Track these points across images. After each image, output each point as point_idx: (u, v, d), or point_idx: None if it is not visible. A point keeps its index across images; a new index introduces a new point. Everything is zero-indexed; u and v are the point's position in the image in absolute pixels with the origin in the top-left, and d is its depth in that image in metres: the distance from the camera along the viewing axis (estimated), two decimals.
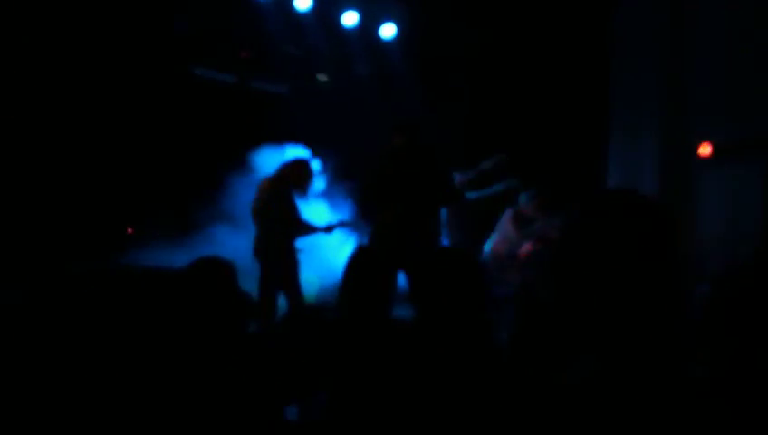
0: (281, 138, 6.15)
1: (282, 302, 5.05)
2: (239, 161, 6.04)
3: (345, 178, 6.21)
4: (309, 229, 5.20)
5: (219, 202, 5.95)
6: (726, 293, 1.66)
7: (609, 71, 7.30)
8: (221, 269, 2.45)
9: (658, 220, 1.25)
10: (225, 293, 2.39)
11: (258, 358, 2.34)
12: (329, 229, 5.27)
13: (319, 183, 5.43)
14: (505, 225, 5.71)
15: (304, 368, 2.34)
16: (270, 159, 5.81)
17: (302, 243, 5.23)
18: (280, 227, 5.03)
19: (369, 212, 4.79)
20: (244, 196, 5.57)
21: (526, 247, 5.44)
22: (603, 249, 1.21)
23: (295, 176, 5.13)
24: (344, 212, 5.97)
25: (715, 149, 6.52)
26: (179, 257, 5.89)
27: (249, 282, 4.75)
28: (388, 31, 6.82)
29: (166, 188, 5.98)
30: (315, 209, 5.53)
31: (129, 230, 5.66)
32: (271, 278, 5.00)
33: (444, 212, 5.47)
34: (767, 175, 5.90)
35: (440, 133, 6.53)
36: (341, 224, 5.37)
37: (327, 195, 6.20)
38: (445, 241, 5.96)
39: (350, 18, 6.55)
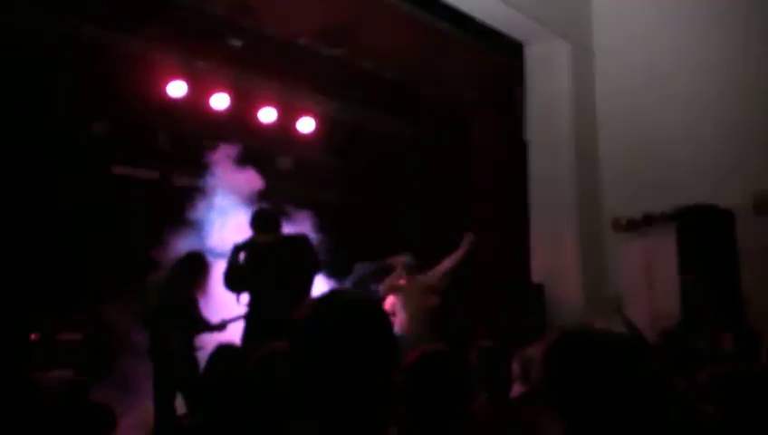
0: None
1: None
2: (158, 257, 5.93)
3: None
4: (204, 328, 4.95)
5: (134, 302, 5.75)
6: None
7: (526, 159, 7.69)
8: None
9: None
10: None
11: None
12: (222, 327, 4.94)
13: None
14: None
15: None
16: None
17: (201, 341, 4.93)
18: (176, 327, 4.78)
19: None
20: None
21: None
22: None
23: (190, 272, 4.94)
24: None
25: (629, 223, 6.80)
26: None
27: None
28: (306, 125, 7.08)
29: (77, 289, 5.81)
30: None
31: (33, 336, 5.38)
32: (165, 382, 4.69)
33: None
34: (679, 241, 6.12)
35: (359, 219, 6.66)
36: (236, 319, 4.83)
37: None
38: None
39: (267, 115, 6.80)
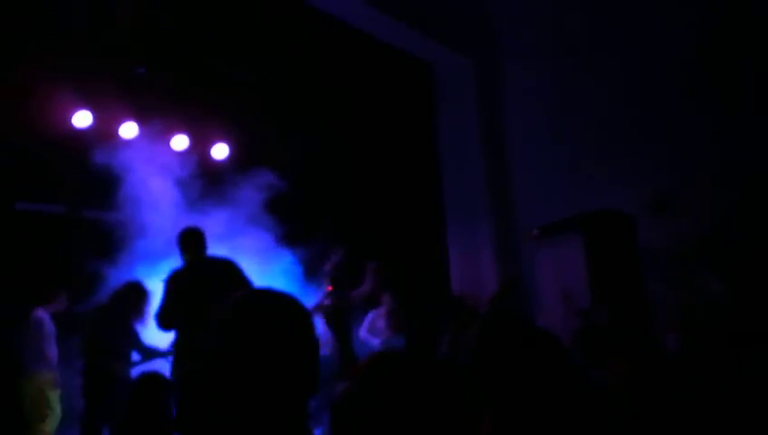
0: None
1: None
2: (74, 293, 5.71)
3: None
4: (151, 354, 4.94)
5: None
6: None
7: (440, 178, 7.91)
8: None
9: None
10: None
11: None
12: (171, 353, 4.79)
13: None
14: None
15: None
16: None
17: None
18: (115, 358, 4.77)
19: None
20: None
21: None
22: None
23: (129, 301, 4.96)
24: None
25: (541, 230, 7.08)
26: None
27: None
28: (220, 152, 6.99)
29: None
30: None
31: None
32: (100, 415, 4.60)
33: None
34: (585, 245, 6.42)
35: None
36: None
37: None
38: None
39: (179, 142, 6.68)
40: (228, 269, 4.46)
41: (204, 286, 4.30)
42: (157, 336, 5.21)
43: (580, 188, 6.86)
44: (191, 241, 4.59)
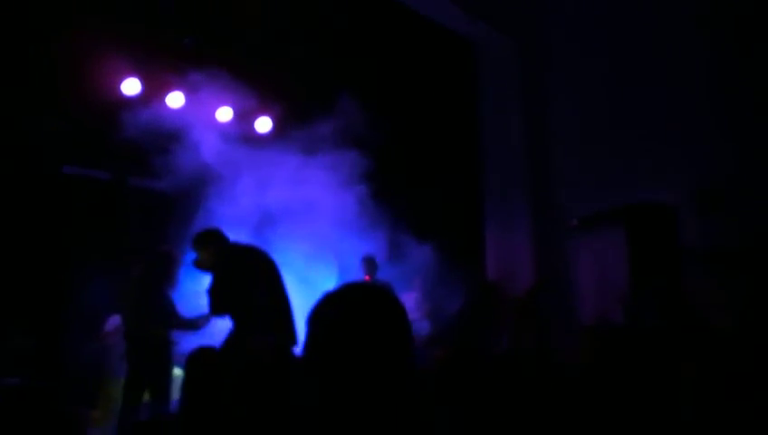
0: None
1: None
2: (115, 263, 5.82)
3: None
4: (184, 325, 4.99)
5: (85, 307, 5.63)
6: None
7: (481, 163, 7.82)
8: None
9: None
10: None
11: None
12: (196, 325, 4.98)
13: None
14: None
15: None
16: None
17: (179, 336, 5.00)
18: (151, 324, 4.85)
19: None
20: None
21: None
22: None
23: (162, 269, 5.03)
24: None
25: (581, 220, 7.01)
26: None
27: None
28: (263, 125, 7.02)
29: (24, 297, 5.62)
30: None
31: None
32: (137, 378, 4.74)
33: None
34: (626, 236, 6.35)
35: None
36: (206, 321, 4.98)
37: None
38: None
39: (224, 114, 6.72)
40: (268, 259, 4.56)
41: (257, 276, 4.40)
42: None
43: (623, 177, 6.74)
44: (218, 237, 4.68)
